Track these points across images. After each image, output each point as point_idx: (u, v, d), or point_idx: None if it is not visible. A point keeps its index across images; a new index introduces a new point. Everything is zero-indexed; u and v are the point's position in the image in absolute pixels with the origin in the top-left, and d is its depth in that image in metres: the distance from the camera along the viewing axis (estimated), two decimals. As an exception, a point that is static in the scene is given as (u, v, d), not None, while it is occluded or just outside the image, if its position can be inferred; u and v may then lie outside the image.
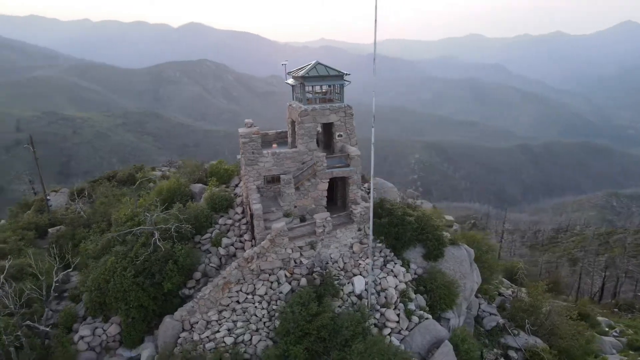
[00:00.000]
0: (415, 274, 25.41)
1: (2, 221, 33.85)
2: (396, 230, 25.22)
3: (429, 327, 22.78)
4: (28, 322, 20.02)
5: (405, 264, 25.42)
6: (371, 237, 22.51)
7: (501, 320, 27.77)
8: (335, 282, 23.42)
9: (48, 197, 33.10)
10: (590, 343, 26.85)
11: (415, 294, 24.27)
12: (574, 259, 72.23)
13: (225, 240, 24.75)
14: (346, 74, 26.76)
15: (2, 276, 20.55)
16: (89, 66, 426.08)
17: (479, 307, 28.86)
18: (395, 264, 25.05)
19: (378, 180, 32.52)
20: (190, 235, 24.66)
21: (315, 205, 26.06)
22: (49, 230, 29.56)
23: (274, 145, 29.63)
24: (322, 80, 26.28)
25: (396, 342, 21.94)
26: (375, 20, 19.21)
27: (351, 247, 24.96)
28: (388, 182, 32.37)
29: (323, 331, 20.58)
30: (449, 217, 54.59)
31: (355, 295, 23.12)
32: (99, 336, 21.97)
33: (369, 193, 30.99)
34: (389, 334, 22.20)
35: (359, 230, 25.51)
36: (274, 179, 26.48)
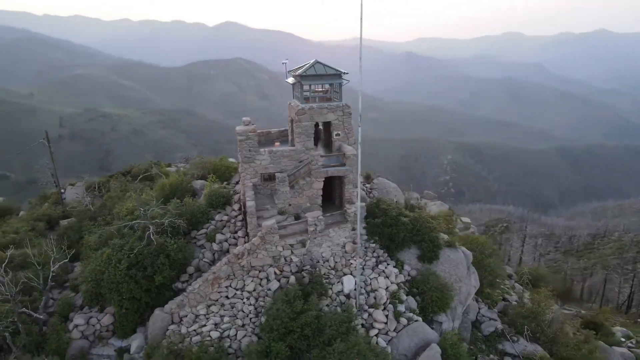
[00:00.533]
0: (409, 275, 25.10)
1: (22, 212, 35.51)
2: (390, 231, 24.97)
3: (417, 329, 22.47)
4: (24, 310, 20.93)
5: (399, 265, 25.13)
6: (359, 236, 22.41)
7: (500, 326, 27.08)
8: (325, 280, 23.45)
9: (62, 190, 34.57)
10: (594, 353, 25.77)
11: (407, 295, 23.99)
12: (609, 266, 69.28)
13: (219, 237, 25.14)
14: (344, 73, 26.65)
15: (3, 265, 21.64)
16: (128, 64, 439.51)
17: (479, 312, 28.22)
18: (388, 264, 24.81)
19: (380, 180, 32.34)
20: (186, 230, 25.19)
21: (310, 204, 26.08)
22: (60, 222, 30.85)
23: (277, 144, 29.77)
24: (320, 79, 26.27)
25: (383, 343, 21.79)
26: (361, 18, 19.06)
27: (344, 246, 24.87)
28: (391, 182, 32.10)
29: (307, 329, 20.61)
30: (466, 220, 53.64)
31: (344, 295, 23.05)
32: (93, 325, 22.75)
33: (370, 192, 30.88)
34: (375, 335, 22.06)
35: (353, 229, 25.37)
36: (271, 177, 26.64)
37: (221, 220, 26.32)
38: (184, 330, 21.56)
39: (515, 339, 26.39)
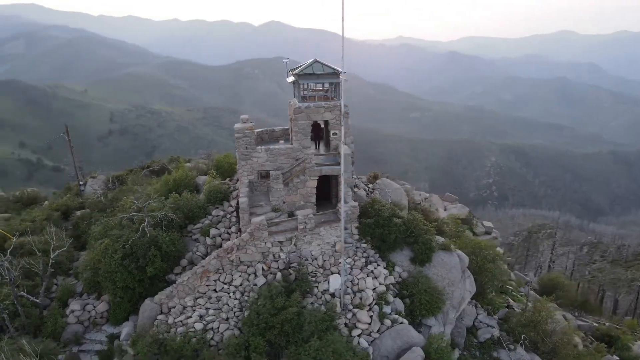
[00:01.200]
0: (399, 277, 24.86)
1: (46, 202, 37.64)
2: (381, 232, 24.79)
3: (401, 331, 22.25)
4: (22, 293, 22.30)
5: (390, 267, 24.94)
6: (343, 235, 22.39)
7: (496, 333, 26.30)
8: (312, 279, 23.61)
9: (81, 182, 36.44)
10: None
11: (395, 297, 23.79)
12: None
13: (213, 231, 25.77)
14: (342, 72, 26.61)
15: (8, 250, 23.20)
16: (175, 63, 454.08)
17: (476, 318, 27.50)
18: (379, 265, 24.66)
19: (384, 180, 32.09)
20: (182, 224, 26.01)
21: (304, 202, 26.28)
22: (76, 212, 32.53)
23: (281, 142, 30.16)
24: (317, 78, 26.39)
25: (365, 344, 21.73)
26: (342, 18, 19.05)
27: (334, 245, 24.92)
28: (395, 182, 31.72)
29: (287, 325, 20.85)
30: (488, 224, 52.16)
31: (329, 294, 23.11)
32: (89, 312, 23.93)
33: (372, 192, 30.72)
34: (358, 335, 22.01)
35: (346, 229, 25.36)
36: (268, 175, 26.97)
37: (217, 216, 26.96)
38: (170, 320, 22.31)
39: (512, 347, 25.57)
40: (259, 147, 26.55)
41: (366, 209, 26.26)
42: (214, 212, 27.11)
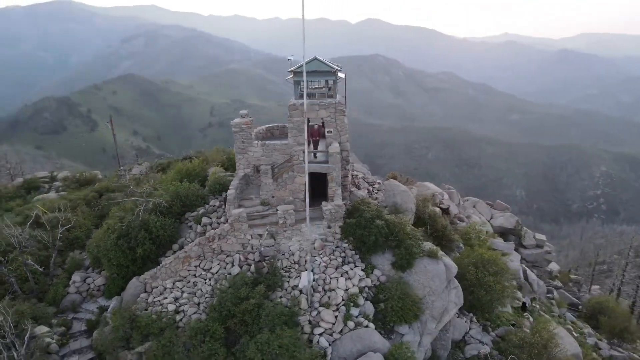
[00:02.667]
0: (378, 280, 24.25)
1: (97, 184, 41.92)
2: (362, 233, 24.34)
3: (363, 335, 21.76)
4: (29, 261, 25.35)
5: (369, 269, 24.42)
6: (309, 234, 22.39)
7: (484, 350, 24.53)
8: (286, 273, 23.94)
9: (122, 167, 40.08)
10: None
11: (368, 300, 23.30)
12: None
13: (204, 220, 27.07)
14: (338, 70, 26.48)
15: (28, 223, 26.57)
16: (273, 60, 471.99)
17: (468, 332, 25.87)
18: (356, 266, 24.27)
19: (391, 182, 31.26)
20: (180, 211, 27.71)
21: (293, 198, 26.62)
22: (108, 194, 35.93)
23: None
24: (313, 75, 26.49)
25: (325, 343, 21.62)
26: (303, 17, 19.04)
27: (314, 242, 24.95)
28: (402, 185, 30.70)
29: (247, 315, 21.50)
30: (541, 237, 48.40)
31: (299, 290, 23.25)
32: (88, 284, 26.44)
33: (375, 193, 30.14)
34: (320, 334, 21.94)
35: (329, 227, 25.30)
36: (264, 169, 27.69)
37: (213, 206, 28.24)
38: (150, 299, 23.96)
39: (500, 367, 23.78)
40: (255, 142, 27.40)
41: (353, 209, 25.91)
42: (211, 202, 28.46)
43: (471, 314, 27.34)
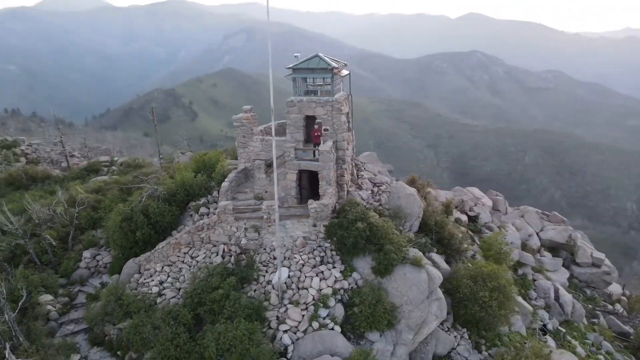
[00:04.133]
0: (356, 284, 23.62)
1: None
2: (342, 234, 23.83)
3: (325, 337, 21.41)
4: (46, 235, 28.23)
5: (348, 271, 23.85)
6: (278, 233, 22.38)
7: (464, 370, 22.77)
8: (264, 268, 24.22)
9: (161, 156, 42.87)
10: None
11: (339, 302, 22.87)
12: None
13: (202, 210, 28.17)
14: (336, 67, 25.98)
15: (54, 202, 29.72)
16: (366, 56, 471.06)
17: (454, 349, 24.16)
18: (334, 267, 23.88)
19: (397, 185, 30.11)
20: (185, 200, 29.13)
21: (284, 194, 26.69)
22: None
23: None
24: (310, 73, 26.28)
25: (288, 341, 21.67)
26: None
27: (296, 240, 24.88)
28: (409, 188, 29.33)
29: (215, 305, 22.17)
30: (599, 255, 43.64)
31: (271, 285, 23.39)
32: (97, 261, 28.83)
33: (377, 194, 29.26)
34: (285, 331, 21.94)
35: (314, 226, 25.08)
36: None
37: (215, 196, 29.24)
38: (141, 280, 25.60)
39: (480, 390, 21.97)
40: (255, 137, 27.90)
41: (341, 209, 25.43)
42: (214, 193, 29.51)
43: (464, 330, 25.49)
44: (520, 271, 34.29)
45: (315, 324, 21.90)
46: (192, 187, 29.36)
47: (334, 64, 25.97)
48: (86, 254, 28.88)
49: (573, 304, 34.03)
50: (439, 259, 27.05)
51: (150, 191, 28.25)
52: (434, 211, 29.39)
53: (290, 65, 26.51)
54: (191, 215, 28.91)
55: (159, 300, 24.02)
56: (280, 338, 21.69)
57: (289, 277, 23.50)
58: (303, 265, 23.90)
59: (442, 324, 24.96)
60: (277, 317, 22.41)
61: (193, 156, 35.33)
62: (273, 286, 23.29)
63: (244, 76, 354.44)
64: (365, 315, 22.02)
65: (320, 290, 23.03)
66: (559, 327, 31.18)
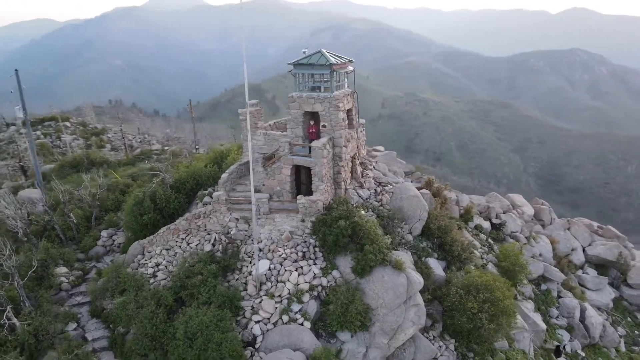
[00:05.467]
0: (335, 282, 23.37)
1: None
2: (324, 231, 23.63)
3: (292, 331, 21.50)
4: (69, 214, 30.88)
5: (328, 269, 23.63)
6: (256, 230, 22.60)
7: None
8: (248, 258, 24.71)
9: (197, 147, 44.84)
10: None
11: (315, 299, 22.83)
12: None
13: (206, 199, 29.21)
14: (335, 64, 25.64)
15: (82, 185, 32.62)
16: (453, 54, 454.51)
17: (436, 358, 22.89)
18: (315, 264, 23.79)
19: (401, 185, 29.12)
20: (193, 188, 30.45)
21: (280, 188, 26.92)
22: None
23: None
24: (310, 69, 26.27)
25: (258, 331, 22.08)
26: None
27: (282, 233, 25.02)
28: (412, 188, 28.14)
29: (195, 289, 23.09)
30: None
31: (251, 276, 23.78)
32: (113, 240, 31.10)
33: (379, 194, 28.55)
34: (257, 322, 22.31)
35: (303, 221, 25.09)
36: (266, 157, 28.50)
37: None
38: (142, 261, 27.24)
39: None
40: (258, 131, 28.40)
41: (330, 207, 25.22)
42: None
43: (452, 341, 24.04)
44: (544, 286, 31.49)
45: (285, 318, 22.04)
46: (201, 176, 30.58)
47: (333, 61, 25.68)
48: (104, 233, 31.31)
49: (604, 328, 30.58)
50: (435, 264, 25.84)
51: (162, 178, 29.87)
52: (439, 215, 27.94)
53: (292, 61, 26.67)
54: (197, 203, 30.17)
55: (152, 280, 25.43)
56: (251, 328, 22.09)
57: (269, 269, 23.77)
58: (285, 259, 24.06)
59: (427, 332, 23.91)
60: (252, 307, 22.82)
61: (210, 148, 36.77)
62: (252, 277, 23.68)
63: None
64: (337, 314, 21.77)
65: (298, 285, 23.08)
66: (579, 351, 28.25)
